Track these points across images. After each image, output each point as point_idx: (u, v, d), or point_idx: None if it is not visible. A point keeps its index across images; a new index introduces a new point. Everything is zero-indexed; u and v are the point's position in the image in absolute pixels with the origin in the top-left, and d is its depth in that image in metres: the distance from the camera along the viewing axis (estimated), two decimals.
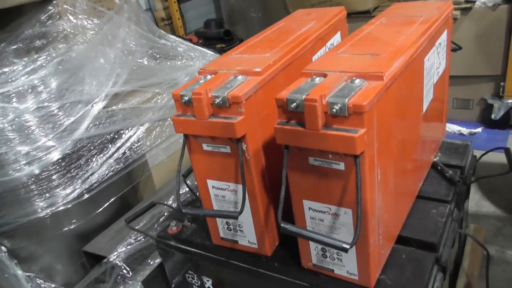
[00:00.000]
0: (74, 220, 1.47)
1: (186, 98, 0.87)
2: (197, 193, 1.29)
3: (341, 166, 0.76)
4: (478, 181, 2.09)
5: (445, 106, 1.30)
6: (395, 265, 0.93)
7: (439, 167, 1.19)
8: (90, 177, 1.45)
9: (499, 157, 2.10)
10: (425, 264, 0.92)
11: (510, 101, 2.47)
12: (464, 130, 2.55)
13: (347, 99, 0.70)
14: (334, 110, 0.70)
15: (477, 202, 2.00)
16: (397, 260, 0.94)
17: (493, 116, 2.53)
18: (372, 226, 0.80)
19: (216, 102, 0.84)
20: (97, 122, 1.46)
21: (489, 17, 2.37)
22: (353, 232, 0.81)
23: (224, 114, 0.85)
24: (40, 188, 1.36)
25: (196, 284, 1.20)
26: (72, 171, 1.42)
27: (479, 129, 2.57)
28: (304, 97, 0.72)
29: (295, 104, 0.74)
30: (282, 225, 0.75)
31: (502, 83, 2.46)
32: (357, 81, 0.75)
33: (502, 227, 1.83)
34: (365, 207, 0.76)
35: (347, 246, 0.70)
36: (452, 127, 2.57)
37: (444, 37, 1.13)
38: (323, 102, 0.71)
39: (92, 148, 1.46)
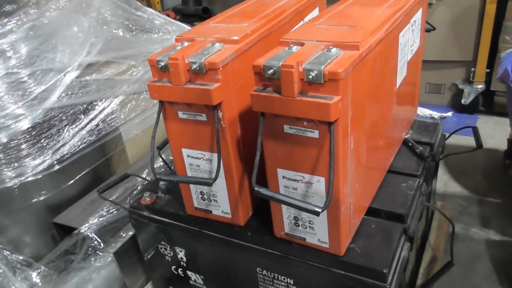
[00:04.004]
0: (44, 192, 1.44)
1: (163, 64, 0.86)
2: (172, 167, 1.28)
3: (315, 134, 0.77)
4: (447, 162, 2.16)
5: (417, 87, 1.33)
6: (364, 234, 0.95)
7: (410, 144, 1.22)
8: (61, 148, 1.42)
9: (467, 140, 2.18)
10: (393, 234, 0.95)
11: (479, 86, 2.54)
12: (435, 114, 2.61)
13: (323, 66, 0.71)
14: (310, 76, 0.71)
15: (445, 182, 2.07)
16: (366, 230, 0.97)
17: (463, 101, 2.60)
18: (343, 194, 0.82)
19: (193, 68, 0.84)
20: (70, 92, 1.43)
21: (462, 4, 2.42)
22: (325, 199, 0.82)
23: (201, 80, 0.85)
24: (8, 157, 1.32)
25: (169, 255, 1.20)
26: (42, 141, 1.38)
27: (450, 113, 2.63)
28: (281, 63, 0.72)
29: (272, 70, 0.74)
30: (255, 188, 0.76)
31: (472, 69, 2.53)
32: (334, 50, 0.76)
33: (468, 206, 1.91)
34: (338, 174, 0.78)
35: (319, 210, 0.72)
36: (424, 111, 2.62)
37: (419, 15, 1.14)
38: (300, 68, 0.72)
39: (64, 118, 1.43)
